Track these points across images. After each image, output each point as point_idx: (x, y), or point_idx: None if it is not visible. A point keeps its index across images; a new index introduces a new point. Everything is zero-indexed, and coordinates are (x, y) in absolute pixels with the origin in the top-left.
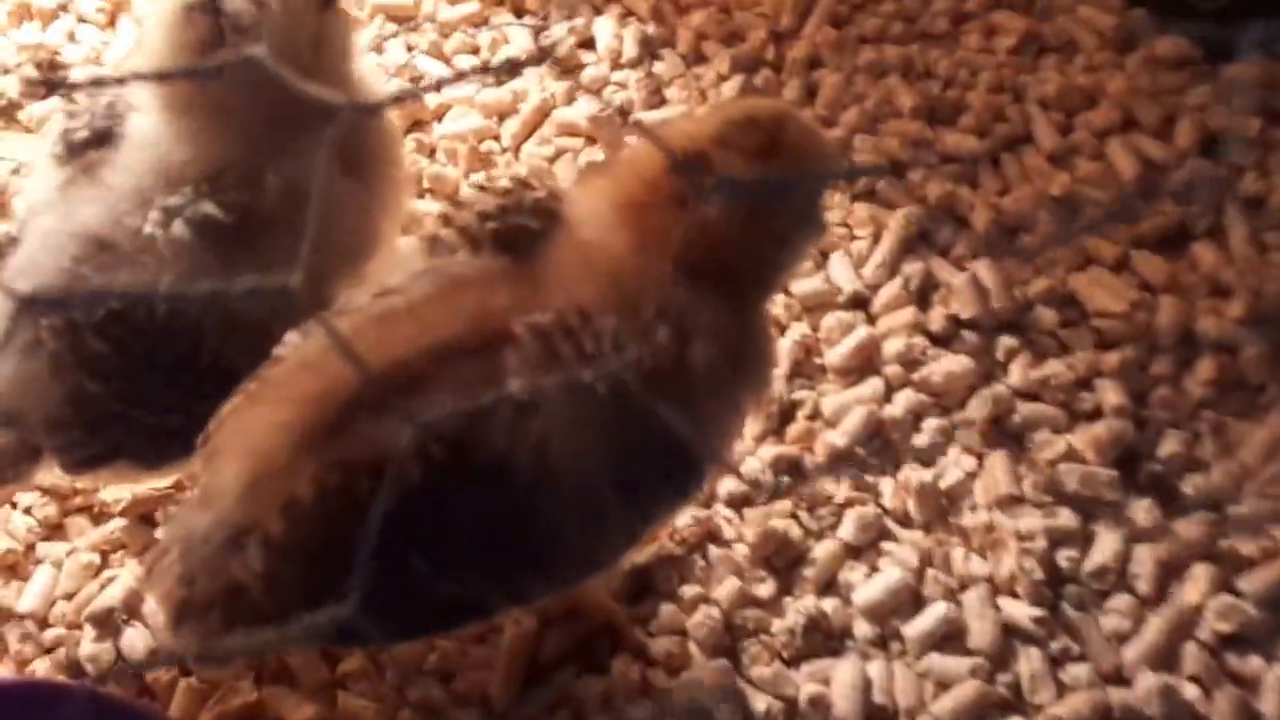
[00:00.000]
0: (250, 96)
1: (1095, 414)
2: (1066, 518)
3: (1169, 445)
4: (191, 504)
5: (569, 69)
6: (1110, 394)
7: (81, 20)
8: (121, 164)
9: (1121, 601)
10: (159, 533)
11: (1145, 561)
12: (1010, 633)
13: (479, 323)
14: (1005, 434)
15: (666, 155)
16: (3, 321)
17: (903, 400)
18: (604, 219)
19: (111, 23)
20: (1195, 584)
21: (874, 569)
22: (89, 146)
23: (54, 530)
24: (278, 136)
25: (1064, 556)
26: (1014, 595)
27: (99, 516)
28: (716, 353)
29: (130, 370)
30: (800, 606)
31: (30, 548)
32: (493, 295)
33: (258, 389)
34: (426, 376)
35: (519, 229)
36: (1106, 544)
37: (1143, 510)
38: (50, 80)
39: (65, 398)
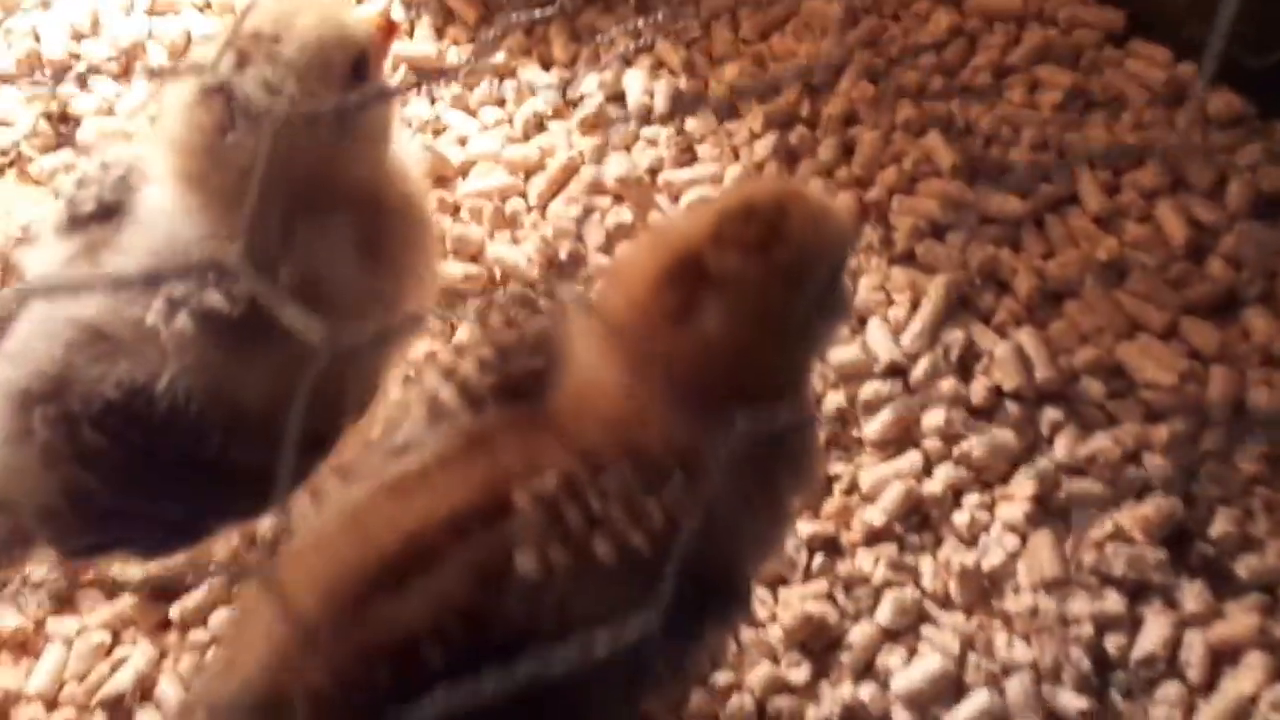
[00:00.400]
0: (266, 178)
1: (1144, 490)
2: (1114, 601)
3: (1221, 524)
4: (219, 666)
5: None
6: (1159, 469)
7: (94, 70)
8: (126, 245)
9: (1171, 690)
10: (172, 612)
11: (1196, 648)
12: None
13: (490, 487)
14: (1050, 511)
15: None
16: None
17: (942, 475)
18: (601, 350)
19: (125, 73)
20: (1249, 672)
21: (913, 654)
22: (94, 221)
23: (64, 604)
24: (294, 223)
25: (1111, 642)
26: (1059, 683)
27: (111, 592)
28: (747, 475)
29: (128, 464)
30: (837, 694)
31: (40, 624)
32: (503, 454)
33: (278, 566)
34: (442, 549)
35: (520, 378)
36: (1156, 629)
37: (1194, 593)
38: (61, 132)
39: (59, 489)
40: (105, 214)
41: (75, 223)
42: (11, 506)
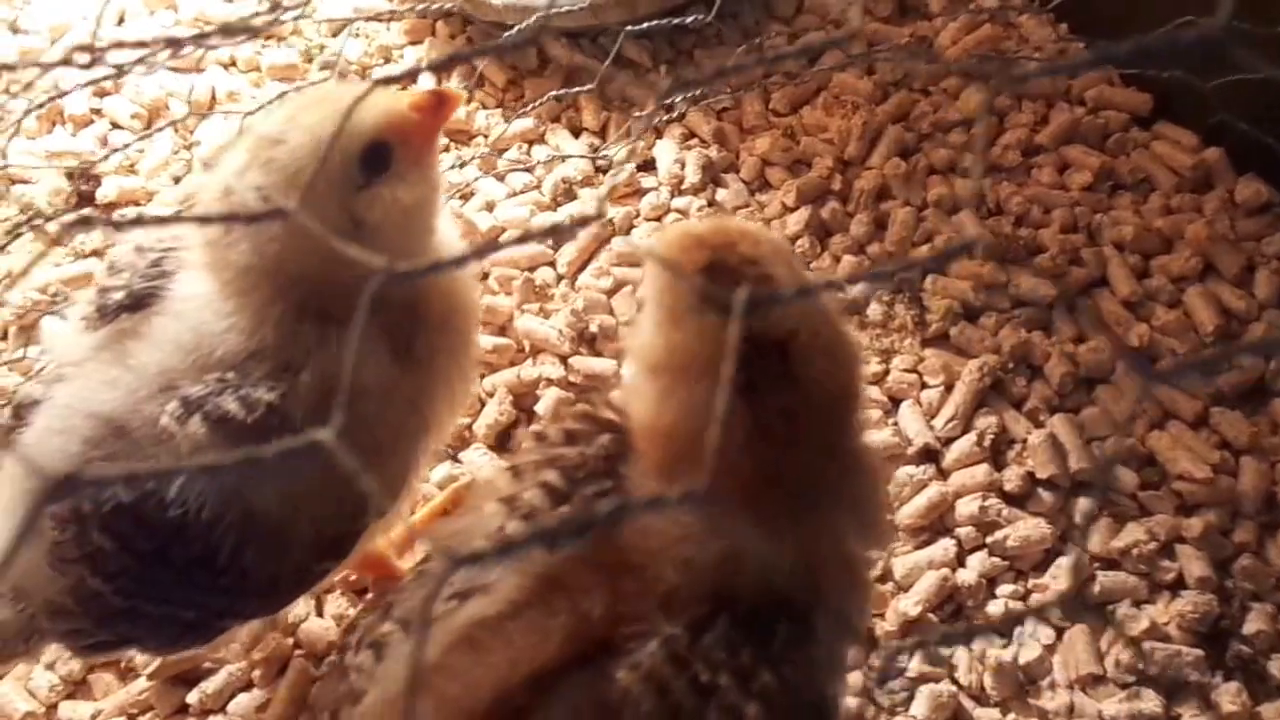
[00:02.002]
0: (276, 278)
1: (1178, 584)
2: (1151, 700)
3: (1255, 622)
4: None
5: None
6: (1194, 563)
7: (115, 126)
8: (152, 338)
9: None
10: (190, 697)
11: None
12: None
13: (575, 640)
14: (1085, 604)
15: None
16: (13, 492)
17: (976, 564)
18: (656, 470)
19: (147, 128)
20: None
21: None
22: (123, 311)
23: (77, 687)
24: (320, 322)
25: None
26: None
27: (125, 673)
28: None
29: (137, 567)
30: None
31: (52, 708)
32: (583, 601)
33: None
34: (530, 708)
35: (589, 504)
36: None
37: (1230, 694)
38: (81, 191)
39: (67, 588)
40: (135, 304)
41: (103, 314)
42: (25, 597)
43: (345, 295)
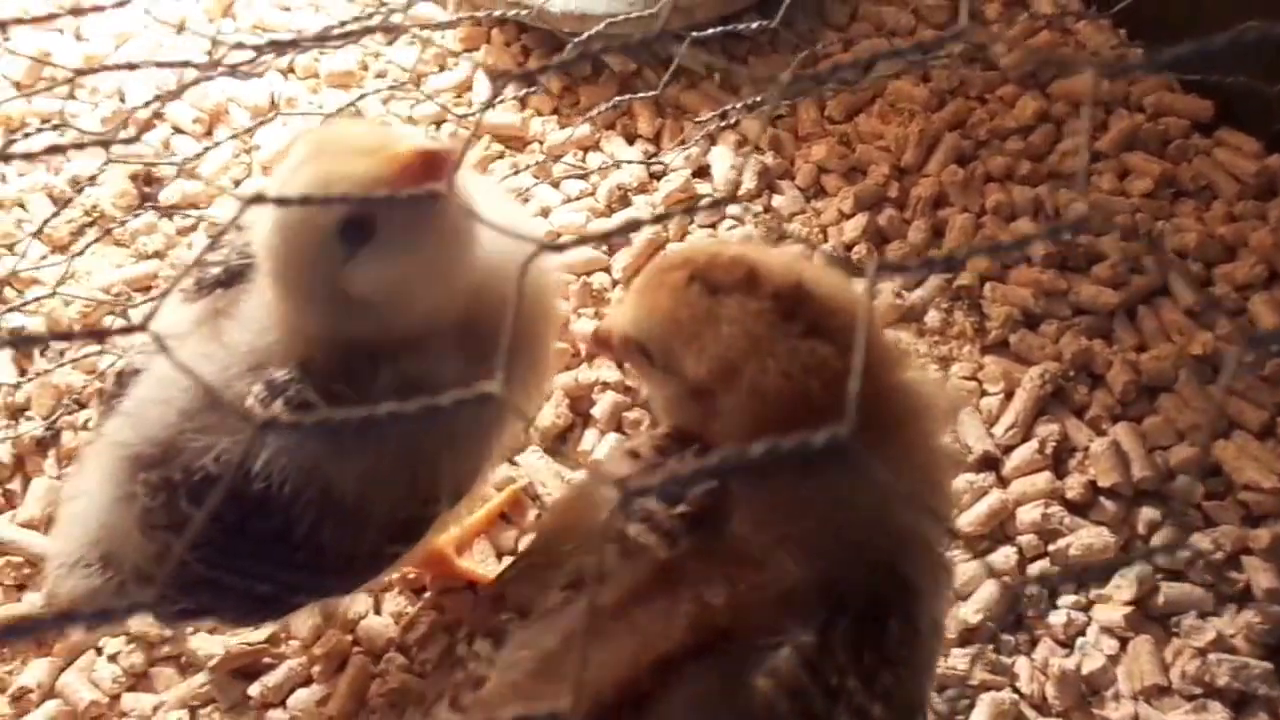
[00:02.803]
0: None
1: (1244, 595)
2: (1217, 713)
3: None
4: None
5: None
6: (1260, 575)
7: (177, 130)
8: (245, 316)
9: None
10: (251, 690)
11: None
12: None
13: (699, 624)
14: (1149, 615)
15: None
16: (111, 459)
17: (1037, 573)
18: None
19: (209, 133)
20: None
21: None
22: (219, 286)
23: (139, 679)
24: (407, 326)
25: None
26: None
27: (186, 668)
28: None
29: (220, 539)
30: None
31: (115, 698)
32: (707, 588)
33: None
34: (654, 694)
35: (706, 503)
36: None
37: None
38: (145, 194)
39: (154, 554)
40: (231, 280)
41: (201, 288)
42: (115, 562)
43: (400, 324)
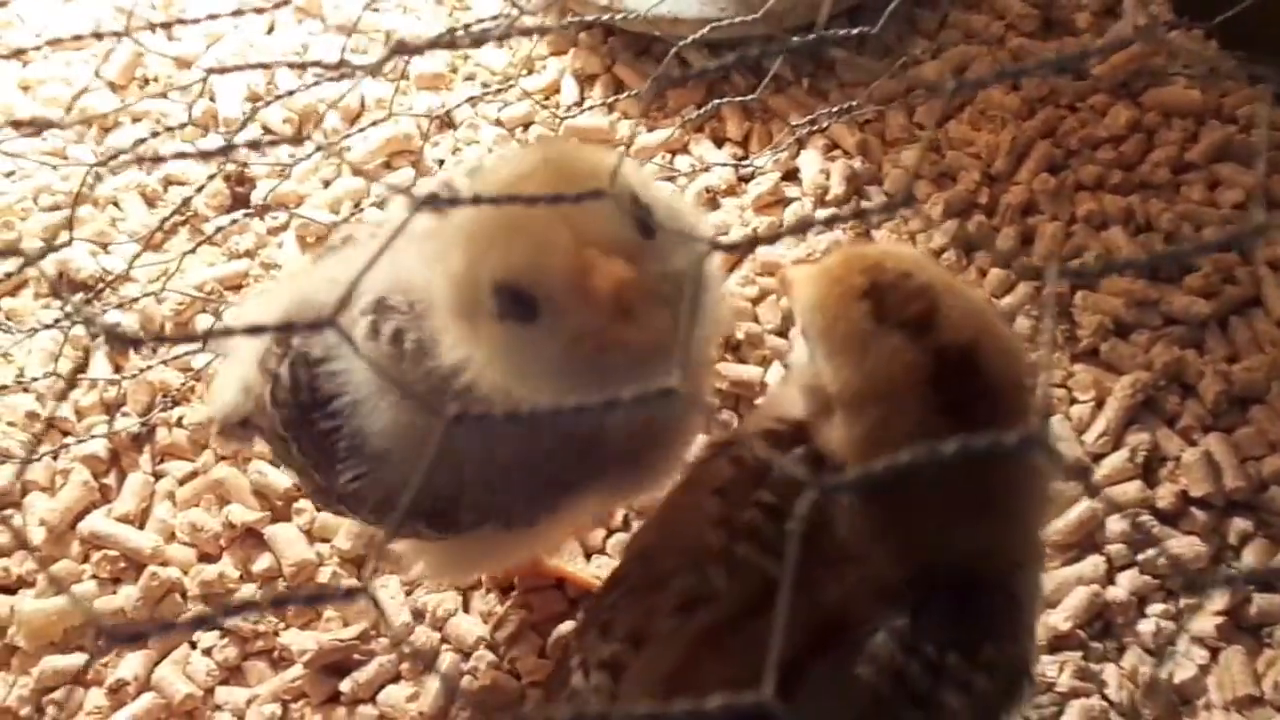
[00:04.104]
0: None
1: None
2: None
3: None
4: None
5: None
6: None
7: (267, 131)
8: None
9: None
10: (343, 686)
11: None
12: None
13: (812, 626)
14: (1240, 626)
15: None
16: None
17: (1126, 581)
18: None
19: (298, 135)
20: None
21: None
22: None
23: (233, 673)
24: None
25: None
26: None
27: (279, 662)
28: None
29: (298, 420)
30: None
31: (209, 692)
32: (818, 590)
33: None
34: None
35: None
36: None
37: None
38: (237, 193)
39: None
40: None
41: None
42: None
43: None
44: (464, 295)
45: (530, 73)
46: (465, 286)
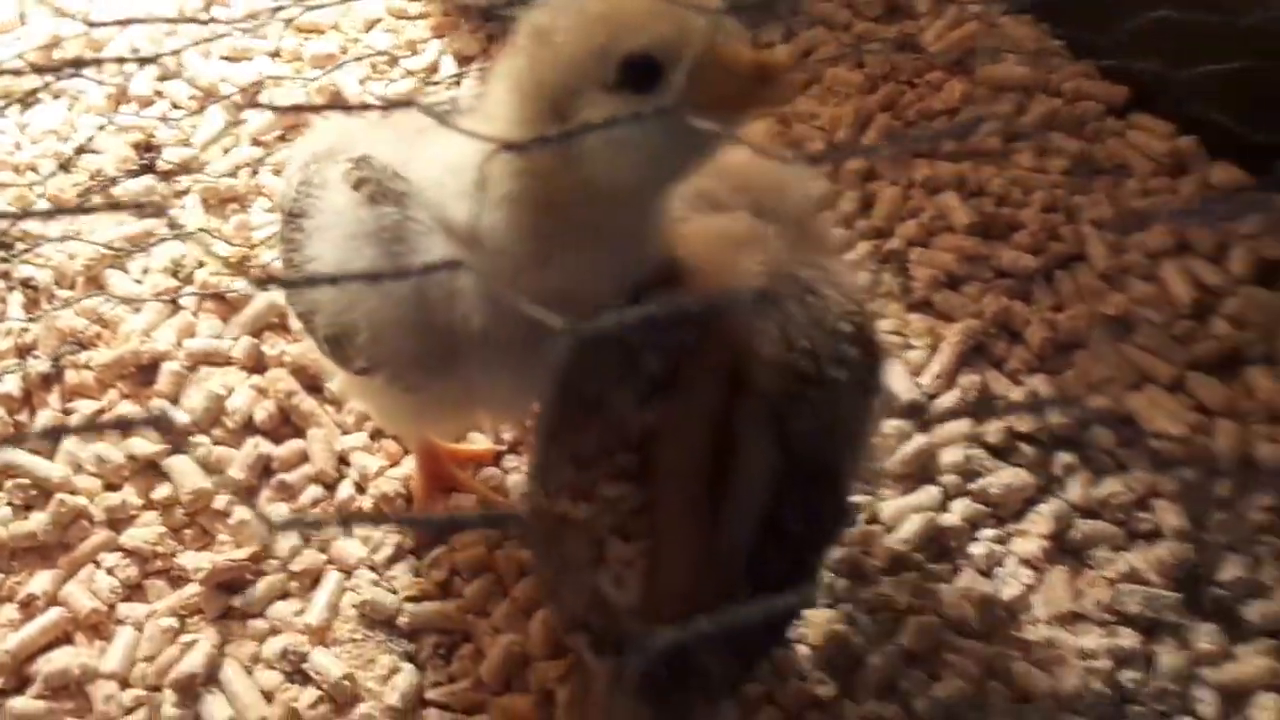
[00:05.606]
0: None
1: (1154, 534)
2: (1129, 637)
3: (1230, 569)
4: None
5: None
6: (1170, 515)
7: (175, 106)
8: (433, 143)
9: None
10: (236, 601)
11: (1209, 687)
12: None
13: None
14: (1064, 549)
15: None
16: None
17: (959, 509)
18: None
19: (201, 109)
20: (1264, 712)
21: (934, 678)
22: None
23: (134, 590)
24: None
25: (1127, 677)
26: (1076, 714)
27: (176, 580)
28: None
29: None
30: (861, 711)
31: (112, 607)
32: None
33: None
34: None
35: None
36: (1169, 666)
37: (1206, 635)
38: (144, 160)
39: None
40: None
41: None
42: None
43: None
44: (573, 70)
45: (414, 54)
46: (576, 61)
